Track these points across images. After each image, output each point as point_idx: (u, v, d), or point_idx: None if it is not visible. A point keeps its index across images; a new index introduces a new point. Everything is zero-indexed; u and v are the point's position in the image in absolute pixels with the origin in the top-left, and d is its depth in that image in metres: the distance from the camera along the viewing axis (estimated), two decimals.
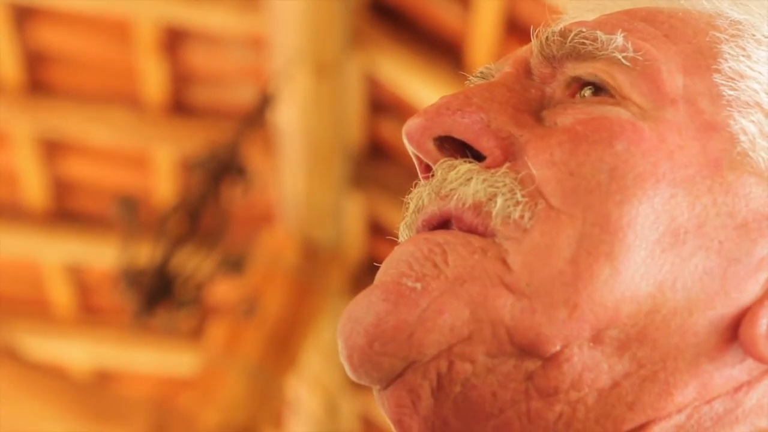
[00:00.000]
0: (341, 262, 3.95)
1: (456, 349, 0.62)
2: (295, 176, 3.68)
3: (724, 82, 0.67)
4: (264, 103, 3.43)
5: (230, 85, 3.89)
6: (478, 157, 0.66)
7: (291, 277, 3.77)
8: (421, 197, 0.67)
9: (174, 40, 3.80)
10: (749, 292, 0.64)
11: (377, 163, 3.84)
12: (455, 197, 0.65)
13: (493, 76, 0.71)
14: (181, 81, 3.93)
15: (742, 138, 0.65)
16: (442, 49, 3.47)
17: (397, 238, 0.70)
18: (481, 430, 0.63)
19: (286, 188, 3.75)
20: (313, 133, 3.55)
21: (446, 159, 0.67)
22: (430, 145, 0.67)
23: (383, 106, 3.76)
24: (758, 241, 0.64)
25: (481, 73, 0.72)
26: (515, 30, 3.28)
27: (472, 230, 0.65)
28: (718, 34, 0.69)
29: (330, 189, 3.69)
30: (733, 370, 0.64)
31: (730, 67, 0.67)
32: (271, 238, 3.87)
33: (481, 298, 0.62)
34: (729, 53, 0.68)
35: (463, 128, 0.66)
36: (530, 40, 0.70)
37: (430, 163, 0.68)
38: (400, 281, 0.63)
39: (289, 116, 3.52)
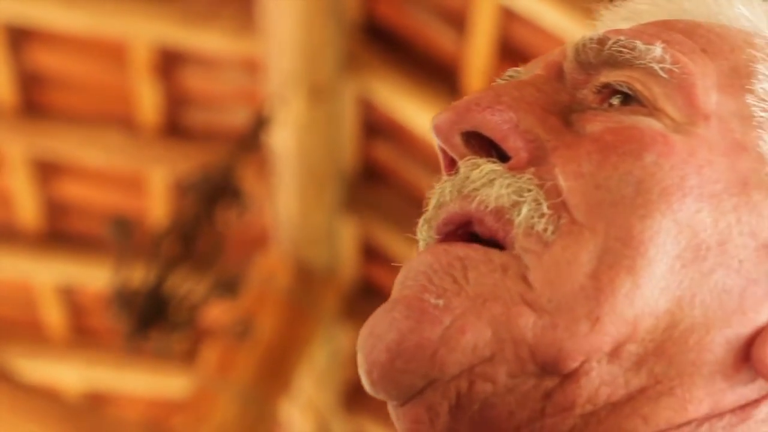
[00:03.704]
0: (335, 285, 3.95)
1: (478, 369, 0.61)
2: (289, 199, 3.69)
3: (755, 103, 0.67)
4: (258, 125, 3.44)
5: (225, 107, 3.90)
6: (503, 156, 0.66)
7: (285, 299, 3.78)
8: (444, 193, 0.67)
9: (169, 62, 3.81)
10: (765, 313, 0.64)
11: (371, 187, 3.84)
12: (477, 198, 0.64)
13: (520, 79, 0.70)
14: (175, 103, 3.93)
15: None
16: (437, 73, 3.47)
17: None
18: None
19: (281, 211, 3.75)
20: (308, 156, 3.56)
21: (471, 156, 0.66)
22: (457, 140, 0.67)
23: (377, 129, 3.76)
24: None
25: (510, 75, 0.71)
26: (509, 54, 3.28)
27: (492, 234, 0.64)
28: (754, 53, 0.69)
29: (324, 212, 3.69)
30: (745, 388, 0.64)
31: (762, 89, 0.67)
32: (265, 260, 3.87)
33: (503, 317, 0.61)
34: (763, 74, 0.68)
35: (492, 126, 0.66)
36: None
37: (456, 158, 0.67)
38: (422, 297, 0.62)
39: (283, 139, 3.52)
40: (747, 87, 0.67)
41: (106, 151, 3.99)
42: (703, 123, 0.66)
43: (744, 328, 0.63)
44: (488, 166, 0.65)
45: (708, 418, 0.63)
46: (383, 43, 3.53)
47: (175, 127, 3.97)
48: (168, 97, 3.89)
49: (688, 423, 0.62)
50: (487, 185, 0.64)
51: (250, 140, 3.45)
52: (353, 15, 3.45)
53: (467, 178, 0.65)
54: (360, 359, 0.63)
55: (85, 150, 4.01)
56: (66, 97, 3.98)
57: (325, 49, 3.34)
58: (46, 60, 3.89)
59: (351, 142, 3.72)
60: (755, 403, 0.64)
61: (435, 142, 0.68)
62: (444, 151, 0.68)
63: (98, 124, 3.97)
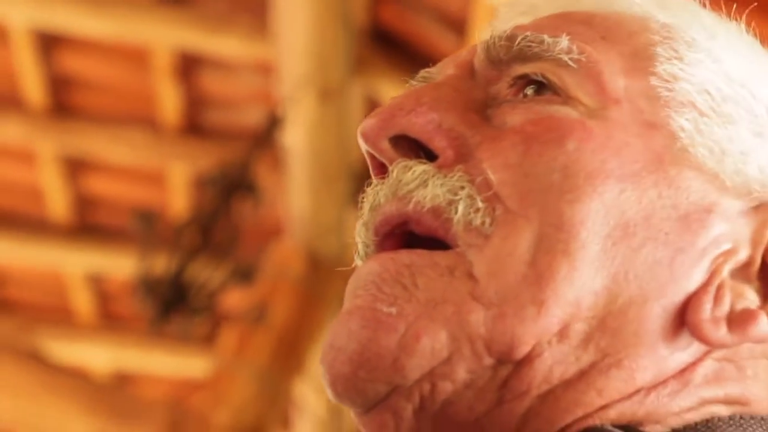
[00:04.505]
0: (344, 273, 3.91)
1: (437, 370, 0.60)
2: (301, 193, 3.68)
3: (660, 83, 0.65)
4: (272, 124, 3.43)
5: (241, 108, 3.89)
6: (431, 155, 0.64)
7: (297, 287, 3.77)
8: (377, 196, 0.65)
9: (188, 66, 3.81)
10: (694, 280, 0.63)
11: None
12: (413, 200, 0.63)
13: (434, 79, 0.69)
14: (195, 104, 3.93)
15: (681, 135, 0.64)
16: None
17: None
18: None
19: (293, 204, 3.75)
20: (319, 153, 3.55)
21: (401, 159, 0.64)
22: (386, 145, 0.65)
23: None
24: (699, 232, 0.63)
25: (423, 76, 0.70)
26: None
27: (431, 233, 0.63)
28: (652, 36, 0.67)
29: (334, 205, 3.68)
30: (683, 353, 0.63)
31: (664, 70, 0.66)
32: (279, 250, 3.86)
33: (455, 317, 0.60)
34: (663, 56, 0.66)
35: (417, 128, 0.64)
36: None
37: (386, 162, 0.65)
38: (374, 306, 0.61)
39: (295, 137, 3.52)
40: (650, 69, 0.66)
41: (130, 148, 3.98)
42: (615, 107, 0.64)
43: (677, 296, 0.62)
44: (420, 168, 0.64)
45: (654, 386, 0.62)
46: (388, 46, 3.52)
47: (194, 126, 3.96)
48: (188, 98, 3.89)
49: (637, 392, 0.61)
50: (421, 186, 0.63)
51: (265, 138, 3.44)
52: (360, 21, 3.45)
53: (400, 180, 0.64)
54: (323, 371, 0.62)
55: (111, 147, 4.00)
56: (93, 98, 3.98)
57: (334, 53, 3.34)
58: (75, 64, 3.89)
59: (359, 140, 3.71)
60: (692, 366, 0.63)
61: (363, 148, 0.66)
62: (372, 156, 0.66)
63: (123, 123, 3.96)
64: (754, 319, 0.63)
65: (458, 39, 3.42)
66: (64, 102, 3.98)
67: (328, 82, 3.38)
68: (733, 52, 0.68)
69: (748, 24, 0.71)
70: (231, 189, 3.39)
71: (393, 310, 0.61)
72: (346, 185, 3.69)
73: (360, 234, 0.67)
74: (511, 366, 0.61)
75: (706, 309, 0.62)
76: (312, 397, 4.28)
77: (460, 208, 0.62)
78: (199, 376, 4.18)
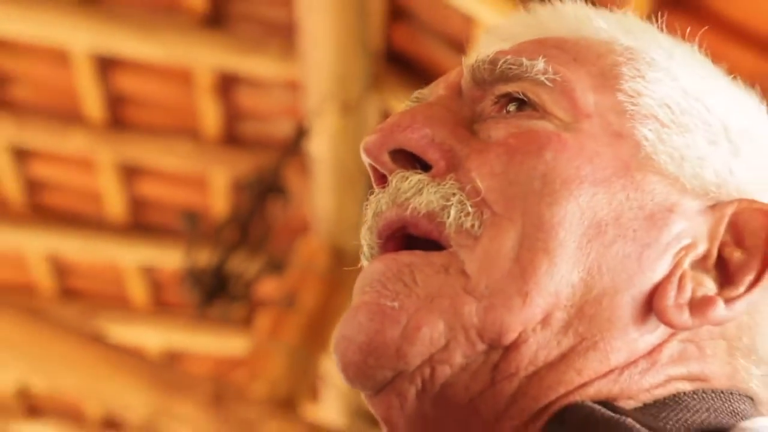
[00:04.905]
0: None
1: (436, 356, 0.60)
2: (325, 195, 3.68)
3: (625, 99, 0.65)
4: (300, 135, 3.43)
5: (272, 120, 3.90)
6: (426, 166, 0.64)
7: (322, 276, 3.76)
8: (379, 204, 0.65)
9: (226, 84, 3.81)
10: (659, 271, 0.62)
11: None
12: (411, 206, 0.63)
13: (427, 100, 0.69)
14: (232, 118, 3.93)
15: (645, 144, 0.64)
16: None
17: None
18: (454, 417, 0.62)
19: (318, 205, 3.75)
20: (340, 160, 3.55)
21: (399, 170, 0.64)
22: (386, 158, 0.65)
23: None
24: (663, 229, 0.63)
25: (417, 97, 0.70)
26: None
27: (426, 234, 0.63)
28: (617, 58, 0.67)
29: (354, 205, 3.67)
30: (651, 335, 0.62)
31: (629, 87, 0.66)
32: (306, 245, 3.86)
33: (451, 309, 0.60)
34: (627, 74, 0.66)
35: (413, 143, 0.64)
36: None
37: (386, 173, 0.65)
38: (379, 301, 0.61)
39: (320, 146, 3.52)
40: (616, 87, 0.65)
41: (177, 157, 3.99)
42: (586, 120, 0.64)
43: (645, 285, 0.62)
44: (415, 177, 0.64)
45: (627, 365, 0.62)
46: (400, 66, 3.52)
47: (232, 137, 3.97)
48: (226, 112, 3.89)
49: (612, 371, 0.61)
50: (417, 194, 0.63)
51: (293, 147, 3.44)
52: (376, 44, 3.44)
53: (399, 189, 0.64)
54: (336, 359, 0.62)
55: (160, 156, 4.01)
56: (145, 113, 3.99)
57: (353, 72, 3.34)
58: (129, 84, 3.90)
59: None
60: (659, 347, 0.63)
61: (366, 161, 0.66)
62: (374, 168, 0.66)
63: (170, 135, 3.98)
64: (713, 304, 0.63)
65: (460, 58, 3.41)
66: (120, 117, 3.99)
67: (348, 97, 3.38)
68: (688, 70, 0.68)
69: (700, 45, 0.71)
70: (264, 192, 3.40)
71: (396, 304, 0.61)
72: (364, 188, 3.69)
73: (365, 237, 0.67)
74: (501, 351, 0.61)
75: (670, 296, 0.62)
76: (336, 372, 4.27)
77: (452, 212, 0.62)
78: (238, 354, 4.19)
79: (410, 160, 0.65)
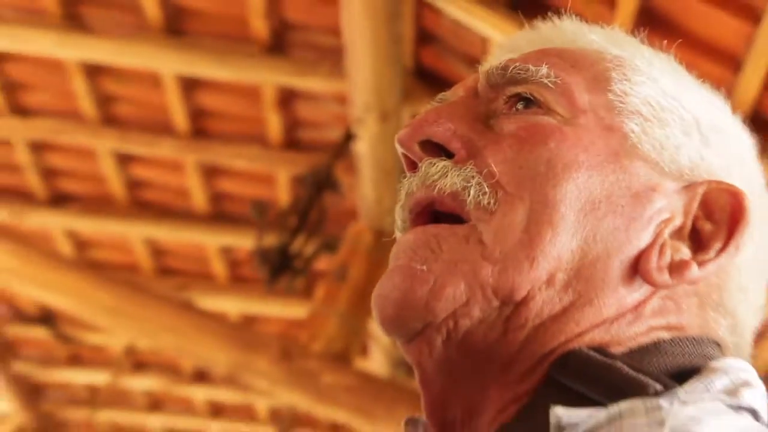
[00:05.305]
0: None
1: (459, 311, 0.61)
2: (368, 187, 3.68)
3: (615, 98, 0.65)
4: (347, 139, 3.44)
5: (325, 128, 3.90)
6: (449, 154, 0.65)
7: (367, 253, 3.77)
8: (411, 185, 0.65)
9: (287, 99, 3.82)
10: (644, 240, 0.62)
11: None
12: (437, 187, 0.63)
13: (449, 100, 0.69)
14: (292, 126, 3.94)
15: (631, 135, 0.64)
16: None
17: None
18: (474, 361, 0.62)
19: (363, 195, 3.76)
20: (380, 158, 3.55)
21: (427, 158, 0.64)
22: (416, 147, 0.65)
23: None
24: (646, 205, 0.62)
25: (440, 98, 0.70)
26: None
27: (450, 210, 0.63)
28: (607, 64, 0.67)
29: (392, 195, 3.68)
30: (637, 293, 0.62)
31: (618, 88, 0.66)
32: (354, 228, 3.87)
33: (471, 272, 0.60)
34: (616, 78, 0.66)
35: (439, 135, 0.65)
36: None
37: (416, 160, 0.65)
38: (410, 265, 0.61)
39: (363, 148, 3.52)
40: (607, 88, 0.66)
41: (248, 159, 4.01)
42: (583, 116, 0.64)
43: (632, 252, 0.62)
44: (441, 163, 0.64)
45: (616, 317, 0.62)
46: (428, 81, 3.51)
47: (292, 142, 3.97)
48: (287, 122, 3.90)
49: (604, 322, 0.61)
50: (442, 177, 0.63)
51: (342, 149, 3.45)
52: (408, 63, 3.44)
53: (427, 173, 0.64)
54: (374, 313, 0.62)
55: (235, 159, 4.02)
56: (221, 124, 4.01)
57: (389, 87, 3.33)
58: (208, 100, 3.92)
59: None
60: (643, 303, 0.62)
61: (399, 151, 0.66)
62: (406, 157, 0.66)
63: (242, 141, 3.98)
64: (688, 267, 0.63)
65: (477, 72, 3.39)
66: (202, 127, 4.00)
67: (385, 108, 3.38)
68: (666, 74, 0.68)
69: (675, 56, 0.71)
70: (319, 186, 3.41)
71: (424, 267, 0.61)
72: (399, 180, 3.67)
73: (399, 214, 0.67)
74: (512, 306, 0.61)
75: (653, 260, 0.62)
76: (382, 333, 4.27)
77: (472, 192, 0.62)
78: (300, 318, 4.21)
79: (436, 150, 0.65)
